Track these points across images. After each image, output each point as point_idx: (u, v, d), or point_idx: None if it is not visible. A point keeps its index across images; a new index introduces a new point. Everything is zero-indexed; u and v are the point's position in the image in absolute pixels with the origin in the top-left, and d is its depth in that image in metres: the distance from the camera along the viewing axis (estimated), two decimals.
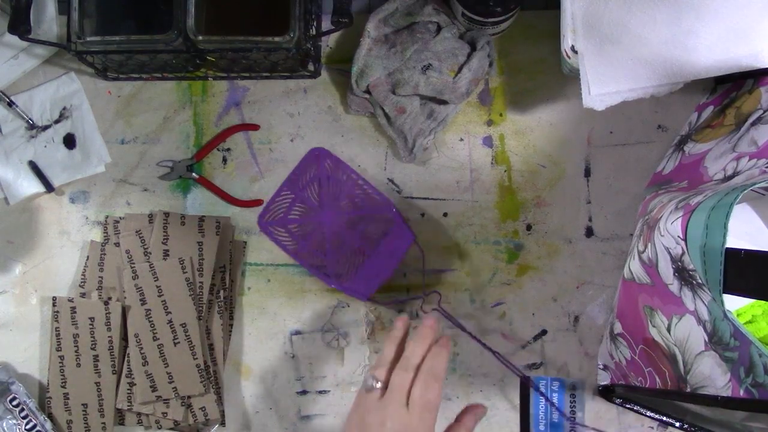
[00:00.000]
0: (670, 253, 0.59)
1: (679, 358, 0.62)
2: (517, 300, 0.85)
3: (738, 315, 0.68)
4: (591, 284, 0.85)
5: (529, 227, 0.86)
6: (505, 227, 0.86)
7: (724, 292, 0.51)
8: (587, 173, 0.86)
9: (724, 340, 0.54)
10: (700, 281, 0.55)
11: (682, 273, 0.58)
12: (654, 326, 0.66)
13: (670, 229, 0.58)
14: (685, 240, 0.56)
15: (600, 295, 0.85)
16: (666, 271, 0.60)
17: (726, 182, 0.66)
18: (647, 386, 0.71)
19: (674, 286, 0.60)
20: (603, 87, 0.72)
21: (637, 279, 0.68)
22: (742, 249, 0.50)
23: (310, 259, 0.85)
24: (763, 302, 0.67)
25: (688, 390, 0.62)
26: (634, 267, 0.69)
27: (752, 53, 0.69)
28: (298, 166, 0.86)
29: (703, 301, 0.56)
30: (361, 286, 0.84)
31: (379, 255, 0.84)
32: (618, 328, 0.76)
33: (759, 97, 0.72)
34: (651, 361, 0.69)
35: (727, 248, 0.50)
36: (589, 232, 0.85)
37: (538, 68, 0.87)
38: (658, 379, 0.68)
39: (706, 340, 0.57)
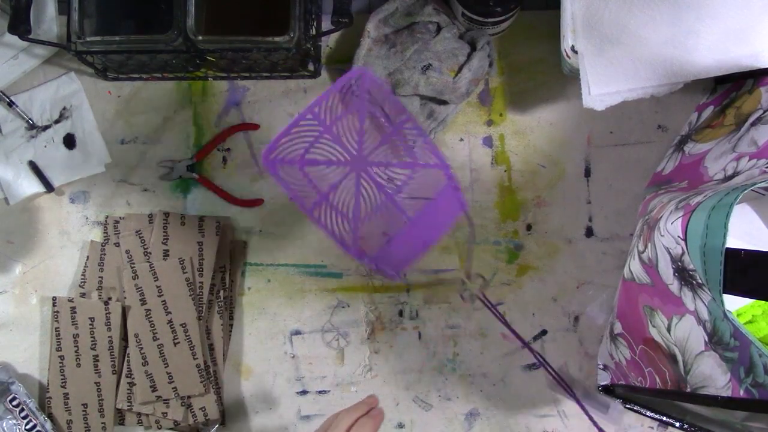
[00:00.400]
0: (670, 253, 0.59)
1: (679, 358, 0.62)
2: (517, 300, 0.85)
3: (738, 315, 0.68)
4: (591, 284, 0.85)
5: (529, 227, 0.86)
6: (505, 227, 0.86)
7: (724, 292, 0.51)
8: (587, 173, 0.86)
9: (724, 340, 0.54)
10: (700, 281, 0.55)
11: (682, 273, 0.58)
12: (654, 326, 0.66)
13: (670, 229, 0.58)
14: (685, 240, 0.56)
15: (600, 295, 0.85)
16: (666, 271, 0.60)
17: (726, 182, 0.66)
18: (647, 386, 0.71)
19: (674, 286, 0.60)
20: (603, 87, 0.72)
21: (637, 279, 0.68)
22: (742, 249, 0.50)
23: (330, 217, 0.64)
24: (763, 302, 0.67)
25: (688, 390, 0.62)
26: (634, 267, 0.69)
27: (752, 53, 0.69)
28: (333, 87, 0.62)
29: (703, 301, 0.56)
30: (391, 261, 0.64)
31: (417, 224, 0.64)
32: (618, 328, 0.76)
33: (759, 97, 0.72)
34: (651, 361, 0.69)
35: (727, 248, 0.50)
36: (589, 232, 0.85)
37: (538, 68, 0.87)
38: (658, 379, 0.68)
39: (706, 340, 0.57)
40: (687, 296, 0.58)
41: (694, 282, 0.56)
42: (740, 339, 0.53)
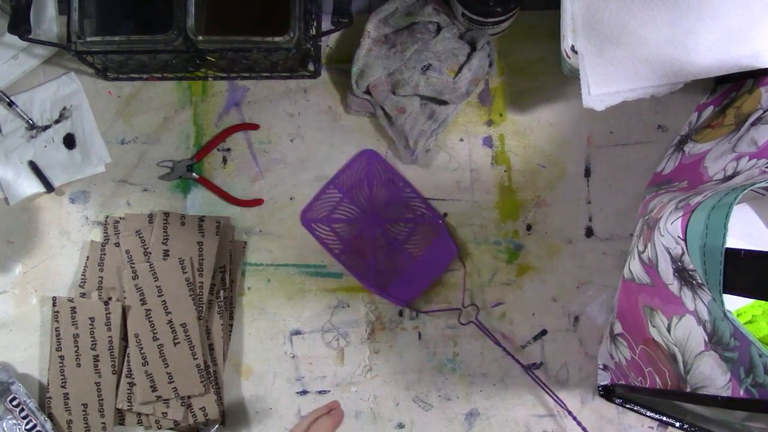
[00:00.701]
0: (670, 253, 0.59)
1: (679, 358, 0.62)
2: (517, 300, 0.85)
3: (738, 315, 0.68)
4: (591, 284, 0.85)
5: (529, 227, 0.86)
6: (505, 227, 0.86)
7: (724, 292, 0.51)
8: (587, 173, 0.86)
9: (724, 340, 0.54)
10: (700, 281, 0.55)
11: (682, 273, 0.58)
12: (654, 326, 0.66)
13: (670, 229, 0.58)
14: (685, 240, 0.56)
15: (600, 295, 0.85)
16: (666, 271, 0.60)
17: (726, 182, 0.66)
18: (647, 386, 0.71)
19: (674, 286, 0.60)
20: (603, 87, 0.72)
21: (637, 279, 0.68)
22: (742, 249, 0.50)
23: (352, 260, 0.84)
24: (763, 302, 0.67)
25: (688, 390, 0.62)
26: (634, 267, 0.69)
27: (752, 53, 0.69)
28: (348, 165, 0.85)
29: (703, 301, 0.56)
30: (400, 293, 0.83)
31: (421, 263, 0.84)
32: (618, 328, 0.76)
33: (759, 97, 0.72)
34: (651, 361, 0.69)
35: (727, 248, 0.50)
36: (589, 232, 0.85)
37: (538, 68, 0.87)
38: (658, 379, 0.68)
39: (706, 340, 0.57)
40: (687, 296, 0.58)
41: (694, 282, 0.56)
42: (740, 339, 0.53)
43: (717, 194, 0.55)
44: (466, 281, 0.84)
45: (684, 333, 0.60)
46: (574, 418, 0.81)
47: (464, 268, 0.84)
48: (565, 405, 0.82)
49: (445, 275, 0.85)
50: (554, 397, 0.82)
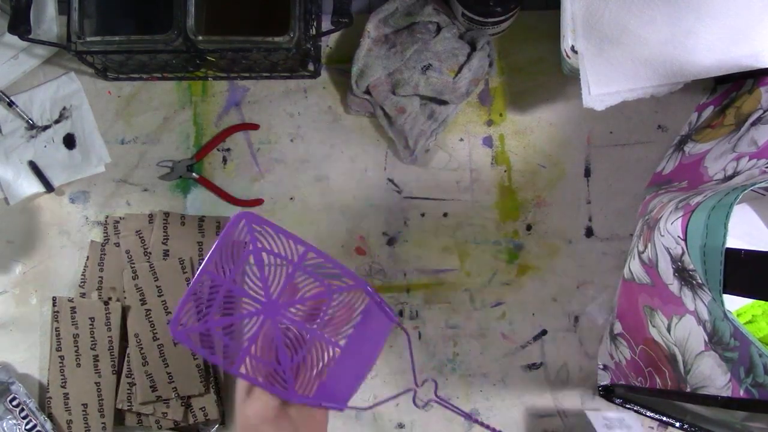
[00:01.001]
0: (670, 253, 0.59)
1: (679, 358, 0.62)
2: (517, 300, 0.85)
3: (738, 315, 0.68)
4: (591, 284, 0.85)
5: (529, 227, 0.86)
6: (505, 227, 0.86)
7: (724, 292, 0.51)
8: (587, 173, 0.86)
9: (724, 340, 0.54)
10: (700, 281, 0.55)
11: (682, 273, 0.58)
12: (654, 326, 0.66)
13: (670, 229, 0.58)
14: (685, 240, 0.56)
15: (600, 295, 0.85)
16: (666, 271, 0.60)
17: (726, 182, 0.66)
18: (647, 386, 0.71)
19: (674, 286, 0.60)
20: (603, 87, 0.72)
21: (637, 279, 0.68)
22: (742, 249, 0.50)
23: (258, 369, 0.58)
24: (763, 302, 0.67)
25: (688, 390, 0.62)
26: (634, 267, 0.69)
27: (752, 53, 0.69)
28: (221, 240, 0.57)
29: (703, 301, 0.56)
30: (335, 393, 0.59)
31: (351, 350, 0.60)
32: (618, 328, 0.76)
33: (759, 97, 0.72)
34: (651, 361, 0.69)
35: (727, 248, 0.50)
36: (589, 232, 0.85)
37: (538, 68, 0.87)
38: (658, 379, 0.68)
39: (706, 340, 0.57)
40: (687, 296, 0.58)
41: (694, 282, 0.56)
42: (740, 339, 0.53)
43: (717, 194, 0.55)
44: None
45: (684, 333, 0.60)
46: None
47: (408, 338, 0.65)
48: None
49: (444, 275, 0.85)
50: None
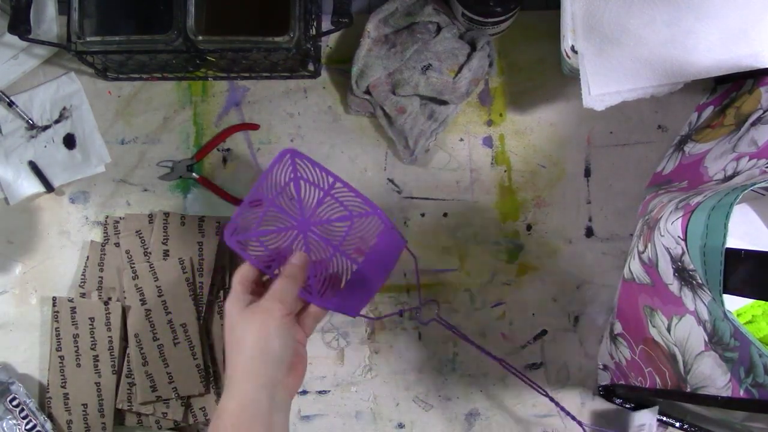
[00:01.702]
0: (670, 253, 0.59)
1: (679, 358, 0.62)
2: (517, 300, 0.85)
3: (738, 315, 0.68)
4: (591, 284, 0.85)
5: (529, 227, 0.86)
6: (505, 227, 0.86)
7: (724, 292, 0.51)
8: (587, 173, 0.86)
9: (724, 340, 0.54)
10: (700, 281, 0.55)
11: (682, 273, 0.58)
12: (654, 326, 0.66)
13: (670, 229, 0.58)
14: (685, 240, 0.56)
15: (600, 295, 0.85)
16: (666, 271, 0.60)
17: (726, 182, 0.66)
18: (647, 386, 0.71)
19: (674, 286, 0.60)
20: (603, 87, 0.72)
21: (637, 279, 0.68)
22: (742, 249, 0.50)
23: None
24: (763, 302, 0.67)
25: (688, 390, 0.62)
26: (634, 267, 0.69)
27: (752, 53, 0.69)
28: (269, 169, 0.71)
29: (703, 302, 0.56)
30: (349, 301, 0.71)
31: (367, 265, 0.71)
32: (618, 328, 0.76)
33: (759, 97, 0.72)
34: (651, 361, 0.69)
35: (727, 248, 0.50)
36: (589, 232, 0.85)
37: (538, 68, 0.87)
38: (658, 379, 0.68)
39: (706, 340, 0.57)
40: (687, 296, 0.58)
41: (694, 282, 0.56)
42: (740, 339, 0.53)
43: (717, 194, 0.55)
44: (419, 272, 0.81)
45: (684, 333, 0.60)
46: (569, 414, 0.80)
47: (415, 259, 0.77)
48: (559, 404, 0.80)
49: (444, 275, 0.85)
50: (540, 390, 0.80)
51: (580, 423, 0.80)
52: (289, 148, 0.71)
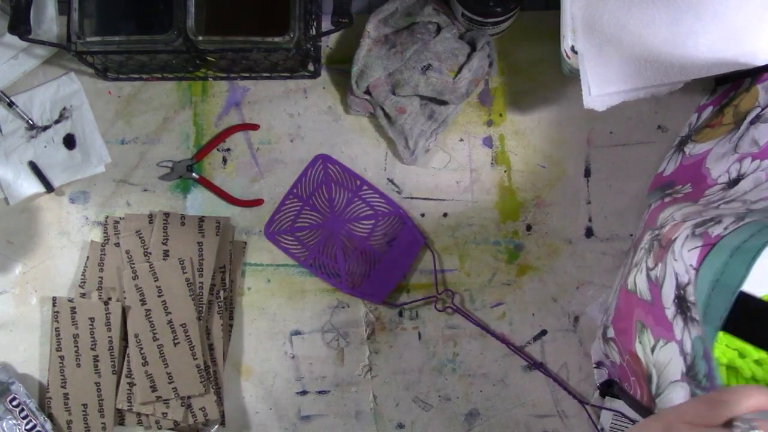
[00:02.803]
0: (677, 278, 0.58)
1: (654, 379, 0.62)
2: (517, 300, 0.85)
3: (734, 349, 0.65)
4: (591, 284, 0.85)
5: (529, 227, 0.86)
6: (505, 227, 0.86)
7: (722, 329, 0.51)
8: (587, 173, 0.86)
9: (698, 377, 0.54)
10: (695, 316, 0.55)
11: (681, 301, 0.57)
12: (640, 343, 0.66)
13: (685, 256, 0.57)
14: (697, 271, 0.55)
15: (600, 295, 0.85)
16: (668, 294, 0.60)
17: (732, 187, 0.66)
18: (631, 393, 0.71)
19: (670, 311, 0.59)
20: (603, 87, 0.72)
21: (640, 294, 0.68)
22: (758, 297, 0.49)
23: (322, 266, 0.85)
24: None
25: (656, 413, 0.62)
26: (640, 281, 0.68)
27: (751, 52, 0.69)
28: (303, 173, 0.85)
29: (690, 335, 0.56)
30: (374, 290, 0.84)
31: (390, 259, 0.84)
32: (611, 333, 0.76)
33: (756, 94, 0.72)
34: (633, 372, 0.69)
35: (741, 291, 0.49)
36: (589, 233, 0.85)
37: (538, 68, 0.87)
38: (639, 391, 0.68)
39: (684, 371, 0.57)
40: (678, 325, 0.58)
41: (688, 314, 0.56)
42: (710, 381, 0.53)
43: (742, 230, 0.52)
44: (437, 265, 0.85)
45: (665, 358, 0.60)
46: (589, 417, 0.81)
47: (433, 254, 0.85)
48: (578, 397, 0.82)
49: (444, 275, 0.85)
50: (565, 386, 0.82)
51: (582, 402, 0.81)
52: (322, 153, 0.85)
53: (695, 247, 0.56)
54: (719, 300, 0.50)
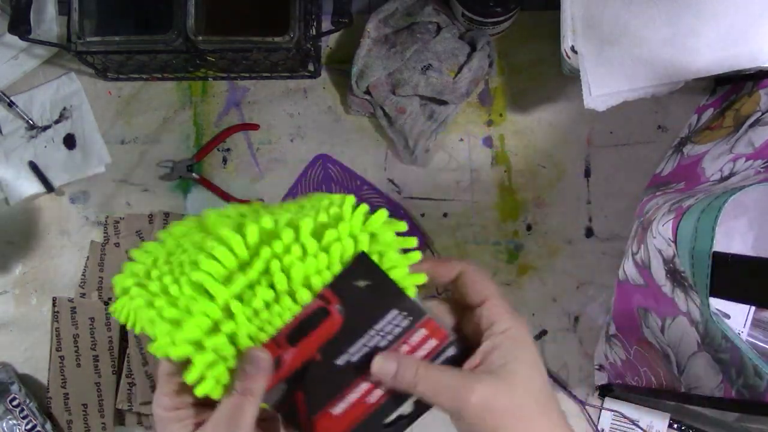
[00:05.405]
0: (662, 254, 0.59)
1: (673, 358, 0.62)
2: (517, 300, 0.85)
3: None
4: (591, 284, 0.85)
5: (529, 227, 0.86)
6: (505, 227, 0.86)
7: (710, 295, 0.51)
8: (587, 173, 0.86)
9: (716, 341, 0.54)
10: (690, 283, 0.55)
11: (674, 275, 0.58)
12: (648, 327, 0.66)
13: (661, 231, 0.58)
14: (675, 242, 0.56)
15: (600, 295, 0.84)
16: (658, 272, 0.60)
17: (722, 183, 0.66)
18: (643, 385, 0.71)
19: (667, 287, 0.60)
20: (603, 87, 0.72)
21: (632, 280, 0.68)
22: (730, 253, 0.50)
23: None
24: None
25: (683, 390, 0.62)
26: (628, 268, 0.68)
27: (752, 53, 0.69)
28: (303, 173, 0.85)
29: (695, 303, 0.56)
30: None
31: None
32: (612, 329, 0.76)
33: (758, 99, 0.72)
34: (646, 361, 0.69)
35: (714, 252, 0.49)
36: (589, 233, 0.85)
37: (538, 68, 0.87)
38: (653, 379, 0.68)
39: (699, 341, 0.57)
40: (679, 298, 0.58)
41: (686, 284, 0.56)
42: (730, 341, 0.53)
43: (708, 197, 0.55)
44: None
45: (677, 334, 0.60)
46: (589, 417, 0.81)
47: (434, 255, 0.84)
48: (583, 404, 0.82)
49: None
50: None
51: (582, 402, 0.82)
52: (322, 153, 0.84)
53: (669, 220, 0.57)
54: (700, 267, 0.51)
